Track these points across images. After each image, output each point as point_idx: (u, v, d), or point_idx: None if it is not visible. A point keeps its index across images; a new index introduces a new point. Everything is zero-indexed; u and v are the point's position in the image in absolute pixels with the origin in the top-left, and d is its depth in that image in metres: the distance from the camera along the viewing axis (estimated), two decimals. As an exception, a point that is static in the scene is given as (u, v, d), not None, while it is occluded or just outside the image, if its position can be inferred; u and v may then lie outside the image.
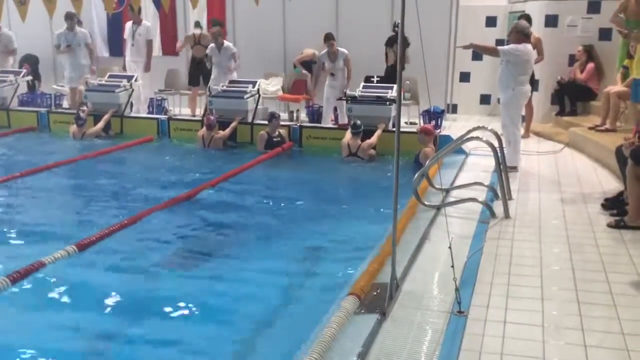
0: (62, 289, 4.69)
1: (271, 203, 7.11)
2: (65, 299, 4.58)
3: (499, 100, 8.17)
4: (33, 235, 5.90)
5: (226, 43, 11.40)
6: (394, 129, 4.53)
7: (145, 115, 11.78)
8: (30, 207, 6.97)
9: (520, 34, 7.66)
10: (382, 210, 6.23)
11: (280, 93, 11.92)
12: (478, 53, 10.46)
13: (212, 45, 11.27)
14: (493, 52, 7.82)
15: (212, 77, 11.35)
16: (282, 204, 7.03)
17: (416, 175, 5.75)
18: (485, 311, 3.95)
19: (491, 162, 6.89)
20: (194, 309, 4.38)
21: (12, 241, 5.81)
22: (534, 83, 9.00)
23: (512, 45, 7.60)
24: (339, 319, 3.81)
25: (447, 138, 9.08)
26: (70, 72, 12.01)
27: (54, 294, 4.60)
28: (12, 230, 6.05)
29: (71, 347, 3.87)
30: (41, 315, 4.31)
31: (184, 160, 9.36)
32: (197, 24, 12.07)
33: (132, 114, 11.52)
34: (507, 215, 5.95)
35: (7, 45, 12.59)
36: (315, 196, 7.34)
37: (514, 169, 7.68)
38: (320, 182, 8.09)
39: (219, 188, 7.56)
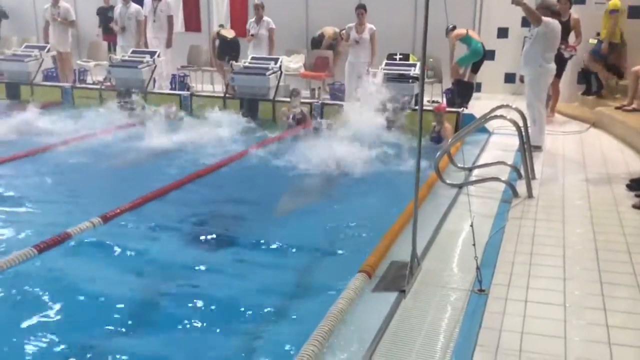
0: (86, 259, 4.77)
1: (288, 181, 7.09)
2: (88, 269, 4.65)
3: (521, 78, 8.04)
4: (60, 207, 6.00)
5: (265, 17, 11.45)
6: (417, 107, 4.48)
7: (167, 91, 11.83)
8: (57, 180, 7.06)
9: (547, 11, 7.50)
10: (399, 189, 6.20)
11: (302, 70, 11.88)
12: (504, 30, 10.28)
13: (251, 20, 11.35)
14: (536, 19, 7.54)
15: (248, 51, 11.47)
16: (299, 182, 7.01)
17: (438, 153, 5.72)
18: (506, 290, 3.93)
19: (515, 141, 6.82)
20: (213, 283, 4.44)
21: (39, 212, 5.91)
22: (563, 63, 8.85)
23: (549, 18, 7.45)
24: (347, 295, 3.83)
25: (470, 117, 8.98)
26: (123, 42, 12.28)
27: (78, 264, 4.69)
28: (39, 203, 6.16)
29: (93, 314, 3.97)
30: (64, 284, 4.40)
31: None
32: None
33: (155, 90, 11.58)
34: (530, 195, 5.89)
35: (66, 17, 12.72)
36: (331, 172, 7.29)
37: (539, 148, 7.58)
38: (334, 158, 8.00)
39: (239, 164, 7.57)
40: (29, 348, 3.58)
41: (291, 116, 9.66)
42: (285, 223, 5.74)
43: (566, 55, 9.44)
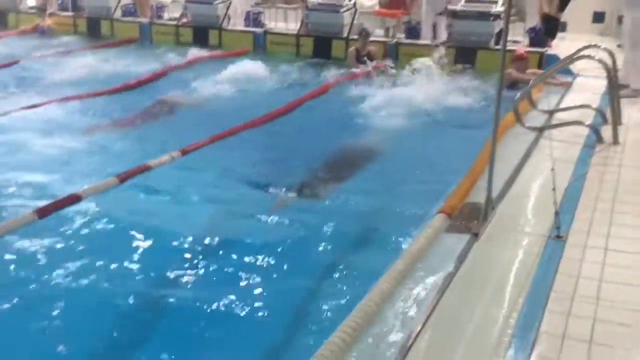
0: (164, 190, 4.98)
1: (360, 122, 7.01)
2: (165, 199, 4.84)
3: (620, 19, 7.51)
4: (140, 141, 6.22)
5: None
6: (498, 47, 4.27)
7: (241, 28, 11.82)
8: (136, 114, 7.27)
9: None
10: (477, 132, 6.02)
11: (377, 8, 11.55)
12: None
13: None
14: None
15: None
16: (370, 124, 6.91)
17: (518, 94, 5.49)
18: (585, 237, 3.80)
19: (601, 84, 6.45)
20: (290, 224, 4.52)
21: (121, 144, 6.15)
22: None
23: None
24: (426, 235, 3.80)
25: (554, 57, 8.54)
26: None
27: (156, 193, 4.91)
28: (122, 134, 6.43)
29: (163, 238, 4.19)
30: (141, 213, 4.63)
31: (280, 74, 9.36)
32: None
33: (229, 27, 11.60)
34: (615, 141, 5.60)
35: None
36: (405, 116, 7.16)
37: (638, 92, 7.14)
38: (412, 101, 7.84)
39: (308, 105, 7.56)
40: (124, 266, 3.84)
41: (360, 56, 9.46)
42: (361, 164, 5.71)
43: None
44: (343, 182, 5.36)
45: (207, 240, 4.27)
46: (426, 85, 8.03)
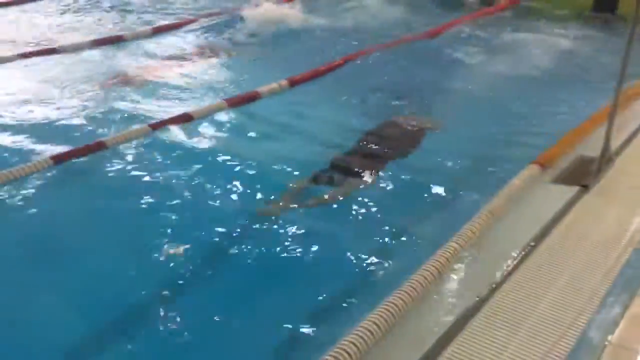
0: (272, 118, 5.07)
1: (474, 66, 6.64)
2: (271, 129, 4.91)
3: None
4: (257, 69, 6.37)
5: None
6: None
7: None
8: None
9: None
10: (600, 83, 5.55)
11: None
12: None
13: None
14: None
15: None
16: (482, 70, 6.54)
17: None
18: None
19: None
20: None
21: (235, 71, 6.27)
22: None
23: None
24: (515, 183, 3.65)
25: None
26: None
27: (264, 121, 4.99)
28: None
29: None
30: (248, 135, 4.75)
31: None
32: None
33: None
34: None
35: None
36: (523, 62, 6.69)
37: None
38: (533, 46, 7.32)
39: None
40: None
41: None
42: (466, 106, 5.49)
43: None
44: (453, 119, 5.15)
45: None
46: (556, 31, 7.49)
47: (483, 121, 5.09)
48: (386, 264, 3.13)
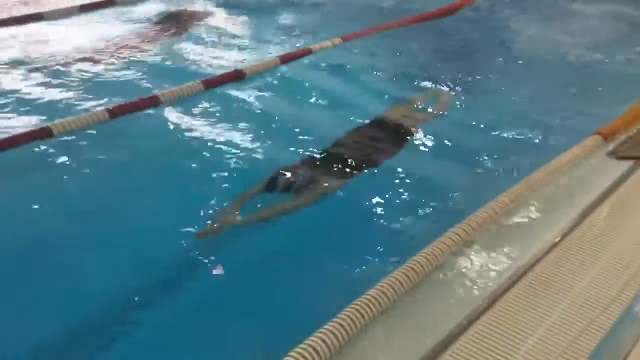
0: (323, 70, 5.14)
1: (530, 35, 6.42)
2: (324, 81, 4.96)
3: None
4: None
5: None
6: None
7: None
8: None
9: None
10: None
11: None
12: None
13: None
14: None
15: None
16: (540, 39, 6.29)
17: None
18: None
19: None
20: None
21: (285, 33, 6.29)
22: None
23: None
24: (574, 151, 3.57)
25: None
26: None
27: (317, 73, 5.08)
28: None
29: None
30: (300, 93, 4.77)
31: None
32: None
33: None
34: None
35: None
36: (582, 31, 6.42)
37: None
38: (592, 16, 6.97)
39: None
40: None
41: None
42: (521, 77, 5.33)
43: None
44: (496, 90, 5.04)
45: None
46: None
47: (542, 91, 4.95)
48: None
